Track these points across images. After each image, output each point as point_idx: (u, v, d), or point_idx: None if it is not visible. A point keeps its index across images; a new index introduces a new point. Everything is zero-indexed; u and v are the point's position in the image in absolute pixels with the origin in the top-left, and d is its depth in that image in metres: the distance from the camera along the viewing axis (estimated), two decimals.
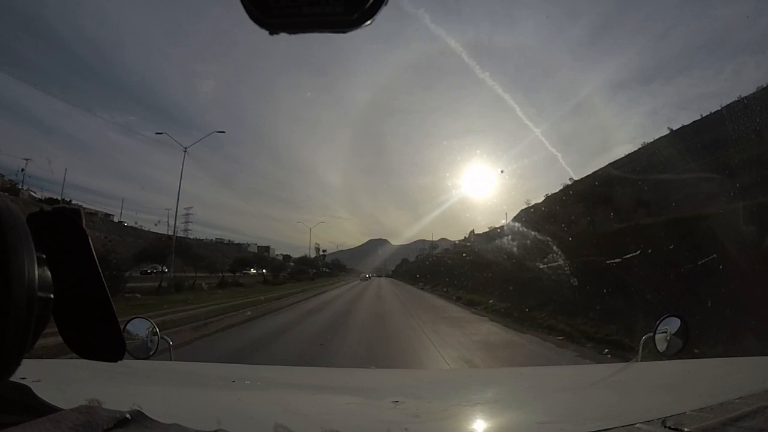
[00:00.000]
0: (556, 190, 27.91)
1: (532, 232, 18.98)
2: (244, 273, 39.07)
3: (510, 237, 23.29)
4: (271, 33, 0.48)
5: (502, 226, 30.22)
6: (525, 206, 30.74)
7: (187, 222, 51.58)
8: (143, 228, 45.82)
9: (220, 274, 32.59)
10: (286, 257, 62.69)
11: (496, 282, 18.82)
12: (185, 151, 28.00)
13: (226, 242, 61.46)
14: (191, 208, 53.01)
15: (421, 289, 36.43)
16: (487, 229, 36.22)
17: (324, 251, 76.53)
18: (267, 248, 67.60)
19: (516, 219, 28.98)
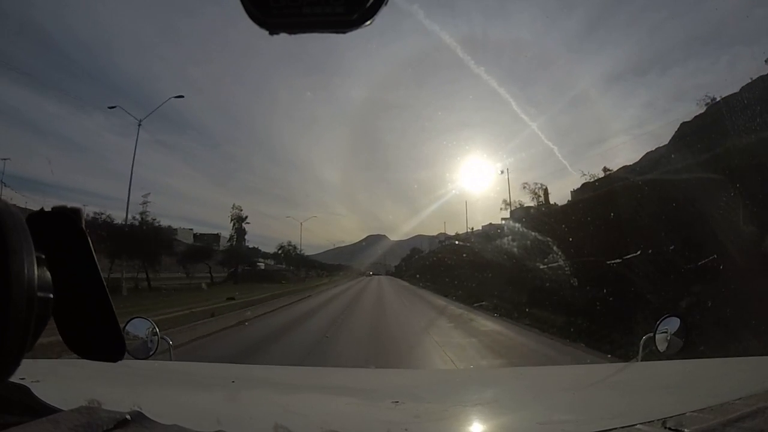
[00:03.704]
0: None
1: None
2: None
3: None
4: (271, 33, 0.48)
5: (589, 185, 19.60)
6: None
7: (144, 212, 39.12)
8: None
9: None
10: (252, 249, 44.52)
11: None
12: (139, 124, 22.94)
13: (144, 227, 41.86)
14: (148, 194, 41.31)
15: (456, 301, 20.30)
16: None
17: (243, 218, 40.62)
18: (217, 236, 45.10)
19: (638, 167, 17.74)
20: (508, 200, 31.15)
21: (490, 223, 34.00)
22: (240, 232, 41.07)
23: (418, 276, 46.87)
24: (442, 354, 8.21)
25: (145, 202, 42.15)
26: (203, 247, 37.67)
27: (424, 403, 1.27)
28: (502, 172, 36.82)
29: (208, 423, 0.68)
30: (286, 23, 0.48)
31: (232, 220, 40.26)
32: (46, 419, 0.52)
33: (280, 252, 50.53)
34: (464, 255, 27.96)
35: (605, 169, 23.74)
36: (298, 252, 52.20)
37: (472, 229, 38.06)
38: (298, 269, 52.29)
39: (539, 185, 29.58)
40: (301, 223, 57.65)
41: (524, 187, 29.85)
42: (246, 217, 41.44)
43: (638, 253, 10.48)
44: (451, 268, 29.10)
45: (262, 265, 46.52)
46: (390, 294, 26.88)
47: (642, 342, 1.66)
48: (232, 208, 41.44)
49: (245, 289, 24.98)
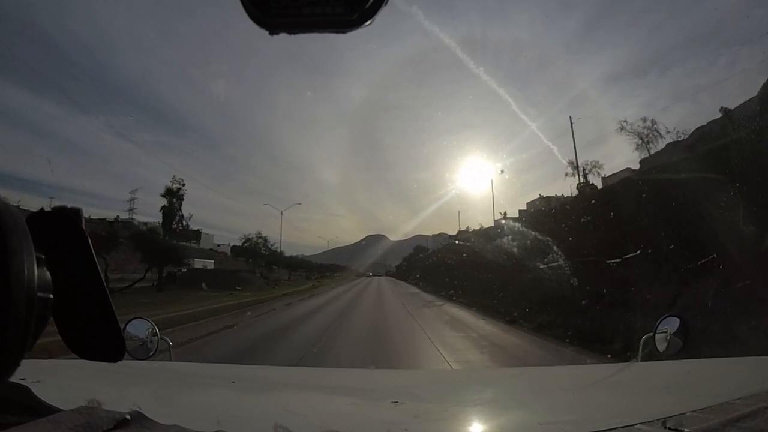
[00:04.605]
0: None
1: None
2: None
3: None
4: (271, 33, 0.48)
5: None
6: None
7: (131, 209, 33.94)
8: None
9: None
10: (235, 249, 39.64)
11: None
12: None
13: (110, 221, 31.20)
14: (136, 191, 35.87)
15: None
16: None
17: (175, 190, 27.29)
18: (198, 232, 35.89)
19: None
20: (575, 162, 22.50)
21: (497, 221, 30.37)
22: (170, 214, 26.32)
23: (419, 275, 42.25)
24: None
25: (132, 199, 33.42)
26: (97, 235, 22.89)
27: (424, 403, 1.27)
28: (502, 171, 35.94)
29: (208, 423, 0.68)
30: (286, 23, 0.48)
31: (164, 196, 26.13)
32: (47, 419, 0.52)
33: (246, 245, 37.30)
34: (493, 252, 20.39)
35: (723, 109, 16.43)
36: (270, 246, 37.95)
37: (507, 214, 31.47)
38: (270, 269, 38.09)
39: (649, 123, 19.54)
40: (282, 212, 40.53)
41: (621, 128, 20.58)
42: (179, 190, 26.82)
43: None
44: (473, 269, 22.38)
45: (210, 263, 34.82)
46: (402, 320, 13.86)
47: (642, 342, 1.66)
48: (171, 181, 27.80)
49: (144, 306, 13.45)
